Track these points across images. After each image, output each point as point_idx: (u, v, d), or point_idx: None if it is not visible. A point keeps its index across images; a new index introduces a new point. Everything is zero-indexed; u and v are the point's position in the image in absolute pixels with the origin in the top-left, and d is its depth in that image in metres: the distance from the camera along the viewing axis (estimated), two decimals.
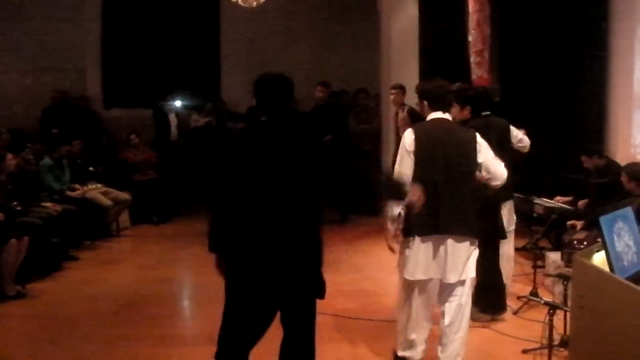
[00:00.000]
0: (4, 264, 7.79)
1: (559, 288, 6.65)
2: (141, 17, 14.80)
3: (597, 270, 3.50)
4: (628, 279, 3.39)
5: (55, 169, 10.31)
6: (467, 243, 5.29)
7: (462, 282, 5.35)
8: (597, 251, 3.78)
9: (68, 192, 10.37)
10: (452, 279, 5.29)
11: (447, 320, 5.42)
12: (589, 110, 9.90)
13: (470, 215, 5.27)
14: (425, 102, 5.43)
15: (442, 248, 5.24)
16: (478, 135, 5.39)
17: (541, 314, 5.93)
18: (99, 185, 11.19)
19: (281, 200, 4.09)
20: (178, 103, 14.25)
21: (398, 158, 5.29)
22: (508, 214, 7.29)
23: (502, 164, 5.47)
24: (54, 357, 6.07)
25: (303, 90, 13.91)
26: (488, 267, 6.52)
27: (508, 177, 5.59)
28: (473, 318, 6.21)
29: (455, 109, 6.52)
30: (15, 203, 8.70)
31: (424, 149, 5.18)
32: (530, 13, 10.55)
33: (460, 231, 5.24)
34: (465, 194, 5.24)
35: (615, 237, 3.52)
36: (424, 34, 12.44)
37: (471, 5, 11.03)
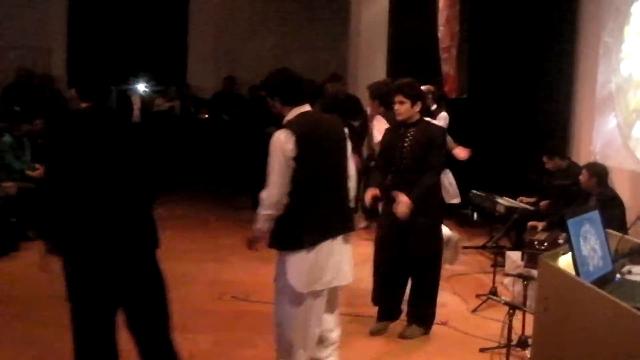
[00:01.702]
0: None
1: (518, 287, 6.69)
2: None
3: (562, 273, 3.51)
4: (593, 283, 3.40)
5: (15, 147, 10.14)
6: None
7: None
8: (563, 254, 3.79)
9: (28, 172, 10.21)
10: (344, 280, 4.89)
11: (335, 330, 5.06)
12: (555, 111, 9.99)
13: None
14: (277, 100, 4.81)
15: (333, 250, 4.75)
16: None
17: (499, 313, 5.98)
18: None
19: (110, 189, 3.99)
20: (142, 85, 14.12)
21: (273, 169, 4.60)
22: None
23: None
24: (4, 341, 5.96)
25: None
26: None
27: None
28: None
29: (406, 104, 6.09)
30: None
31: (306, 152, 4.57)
32: (500, 12, 10.59)
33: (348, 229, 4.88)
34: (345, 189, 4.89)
35: (582, 241, 3.53)
36: (394, 27, 12.44)
37: (442, 2, 11.06)
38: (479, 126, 10.95)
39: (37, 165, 10.44)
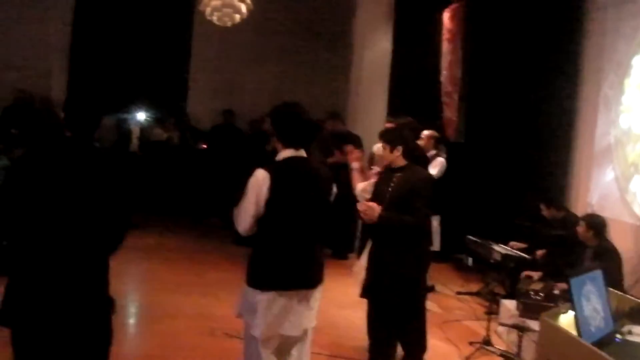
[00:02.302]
0: None
1: (512, 337, 6.65)
2: (112, 24, 14.69)
3: (564, 333, 3.49)
4: (594, 344, 3.38)
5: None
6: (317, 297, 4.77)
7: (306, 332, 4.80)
8: (564, 312, 3.78)
9: None
10: (306, 326, 4.74)
11: None
12: (553, 160, 10.01)
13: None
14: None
15: (297, 299, 4.62)
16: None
17: None
18: None
19: (66, 227, 3.83)
20: (142, 114, 14.13)
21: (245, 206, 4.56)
22: None
23: None
24: None
25: (266, 111, 13.90)
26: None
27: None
28: None
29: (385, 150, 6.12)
30: None
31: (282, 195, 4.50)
32: (502, 59, 10.64)
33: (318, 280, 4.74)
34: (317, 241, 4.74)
35: (584, 300, 3.52)
36: (395, 67, 12.50)
37: (445, 46, 11.13)
38: (475, 171, 10.97)
39: None
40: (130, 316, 8.00)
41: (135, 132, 13.60)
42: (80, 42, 14.71)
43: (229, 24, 11.74)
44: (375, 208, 5.80)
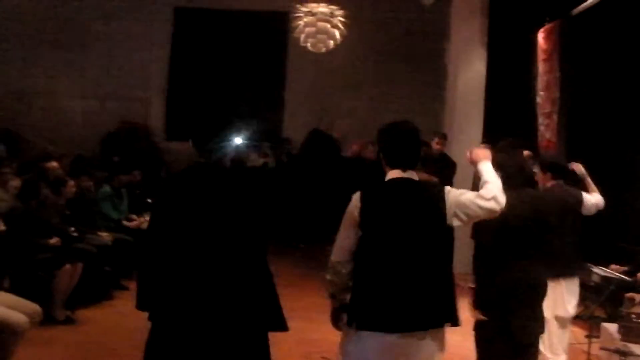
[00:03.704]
0: (56, 288, 7.87)
1: None
2: (209, 51, 15.02)
3: None
4: None
5: (113, 197, 10.40)
6: (433, 343, 4.08)
7: None
8: None
9: (124, 222, 10.44)
10: None
11: None
12: None
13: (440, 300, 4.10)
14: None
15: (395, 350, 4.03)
16: (447, 188, 4.24)
17: None
18: None
19: (217, 254, 3.85)
20: (238, 140, 14.33)
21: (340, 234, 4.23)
22: (566, 295, 6.74)
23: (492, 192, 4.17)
24: None
25: (364, 134, 13.94)
26: None
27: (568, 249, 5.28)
28: None
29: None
30: (72, 229, 8.80)
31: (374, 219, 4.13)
32: (600, 77, 10.41)
33: (423, 324, 4.05)
34: (433, 273, 4.09)
35: None
36: (491, 89, 12.38)
37: (541, 67, 10.98)
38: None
39: (133, 216, 10.68)
40: None
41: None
42: (177, 70, 15.08)
43: (323, 49, 11.88)
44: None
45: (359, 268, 4.14)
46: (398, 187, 4.18)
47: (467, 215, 4.13)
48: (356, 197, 4.18)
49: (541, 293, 5.18)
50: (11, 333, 5.62)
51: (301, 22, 11.75)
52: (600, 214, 9.31)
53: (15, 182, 8.68)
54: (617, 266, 8.92)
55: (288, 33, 13.66)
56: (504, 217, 4.39)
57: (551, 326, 6.41)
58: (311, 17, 11.63)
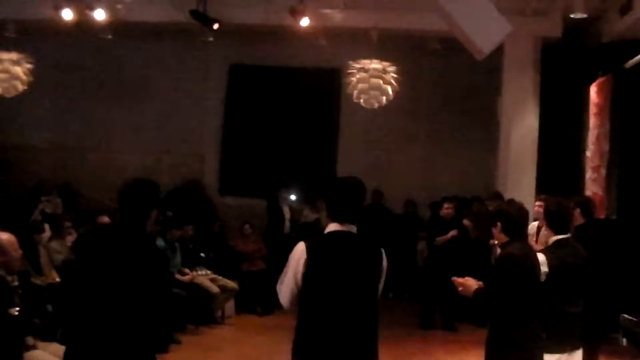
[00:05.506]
0: None
1: None
2: (263, 107, 15.20)
3: None
4: None
5: (167, 251, 10.52)
6: None
7: None
8: None
9: (178, 276, 10.56)
10: None
11: None
12: None
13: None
14: None
15: None
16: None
17: None
18: (208, 272, 11.40)
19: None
20: (293, 196, 14.45)
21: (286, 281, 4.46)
22: None
23: None
24: None
25: (414, 193, 13.93)
26: None
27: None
28: None
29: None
30: None
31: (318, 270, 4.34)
32: None
33: None
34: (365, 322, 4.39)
35: None
36: (543, 144, 12.34)
37: (592, 121, 10.95)
38: (628, 247, 10.58)
39: (186, 270, 10.79)
40: None
41: (287, 213, 13.89)
42: (231, 126, 15.30)
43: (375, 105, 11.98)
44: (472, 284, 5.37)
45: (302, 312, 4.40)
46: (340, 239, 4.41)
47: None
48: (301, 248, 4.36)
49: None
50: None
51: (354, 79, 11.88)
52: None
53: (72, 237, 8.85)
54: None
55: (341, 89, 13.77)
56: None
57: None
58: (364, 74, 11.75)
